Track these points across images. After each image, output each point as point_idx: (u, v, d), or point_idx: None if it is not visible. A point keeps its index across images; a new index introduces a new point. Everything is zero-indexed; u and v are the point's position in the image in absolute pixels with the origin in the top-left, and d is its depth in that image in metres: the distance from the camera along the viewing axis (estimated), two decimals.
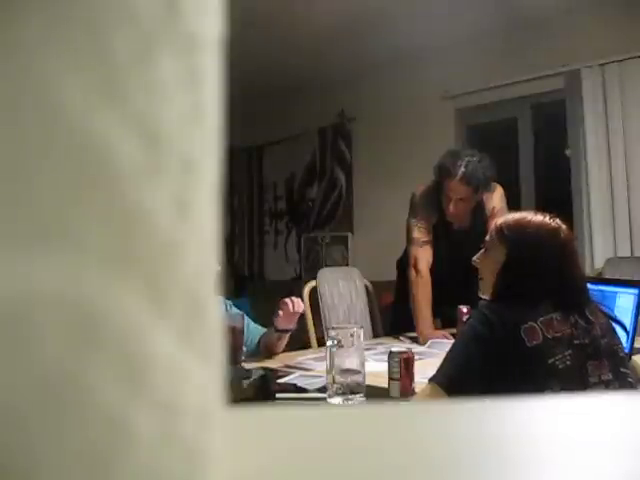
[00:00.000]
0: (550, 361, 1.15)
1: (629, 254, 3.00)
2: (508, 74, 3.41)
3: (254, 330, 1.98)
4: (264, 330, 1.98)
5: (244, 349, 1.85)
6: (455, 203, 2.25)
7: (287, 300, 1.87)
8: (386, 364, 1.41)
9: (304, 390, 1.47)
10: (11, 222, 0.13)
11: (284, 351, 1.99)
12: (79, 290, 0.14)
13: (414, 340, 2.22)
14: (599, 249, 3.05)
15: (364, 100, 4.16)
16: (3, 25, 0.13)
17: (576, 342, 1.19)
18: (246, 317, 1.91)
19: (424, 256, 2.31)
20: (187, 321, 0.16)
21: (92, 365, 0.14)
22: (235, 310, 1.92)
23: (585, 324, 1.22)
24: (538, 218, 1.32)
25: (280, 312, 1.87)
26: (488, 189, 2.29)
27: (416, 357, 1.45)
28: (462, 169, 2.18)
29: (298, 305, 1.87)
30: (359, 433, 0.27)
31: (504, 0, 3.04)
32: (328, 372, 1.34)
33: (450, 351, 1.26)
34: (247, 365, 1.76)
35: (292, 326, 1.91)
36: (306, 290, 2.55)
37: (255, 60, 3.56)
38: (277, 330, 1.91)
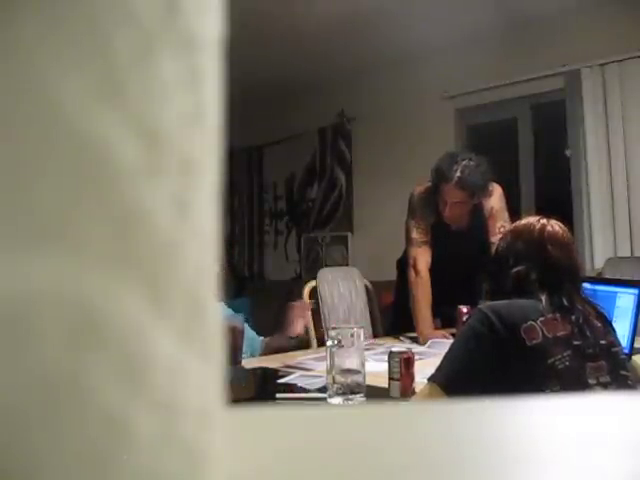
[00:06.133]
0: (550, 361, 1.15)
1: (629, 254, 3.00)
2: (508, 74, 3.40)
3: (256, 339, 1.99)
4: (261, 339, 1.99)
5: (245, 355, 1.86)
6: (451, 207, 2.24)
7: (293, 304, 1.90)
8: (386, 364, 1.41)
9: (304, 390, 1.47)
10: (11, 222, 0.13)
11: (283, 351, 2.00)
12: (79, 290, 0.14)
13: (414, 340, 2.22)
14: (599, 249, 3.05)
15: (364, 100, 4.16)
16: (2, 25, 0.13)
17: (575, 343, 1.19)
18: (247, 327, 1.93)
19: (423, 256, 2.31)
20: (187, 321, 0.16)
21: (92, 365, 0.14)
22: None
23: (584, 325, 1.22)
24: (523, 220, 1.37)
25: (291, 319, 1.91)
26: (485, 193, 2.27)
27: (416, 357, 1.45)
28: (458, 174, 2.17)
29: (305, 306, 1.90)
30: (359, 433, 0.27)
31: (504, 0, 3.04)
32: (328, 372, 1.34)
33: (449, 350, 1.26)
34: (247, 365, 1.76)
35: (303, 330, 1.94)
36: (306, 290, 2.55)
37: (255, 60, 3.56)
38: (292, 337, 1.93)
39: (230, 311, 1.92)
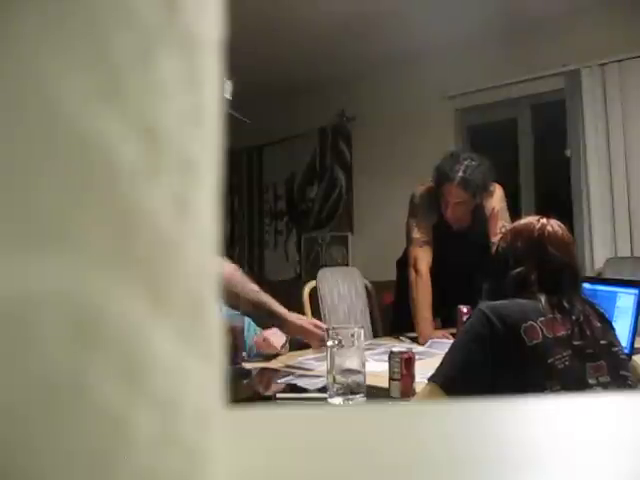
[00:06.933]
0: (550, 361, 1.15)
1: (629, 254, 3.00)
2: (508, 74, 3.40)
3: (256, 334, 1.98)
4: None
5: (244, 354, 1.86)
6: (453, 207, 2.24)
7: (267, 337, 1.90)
8: (386, 364, 1.41)
9: (305, 390, 1.47)
10: (11, 222, 0.13)
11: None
12: (79, 290, 0.14)
13: (414, 340, 2.22)
14: (599, 249, 3.05)
15: (364, 100, 4.16)
16: (2, 24, 0.13)
17: (575, 343, 1.19)
18: (247, 321, 1.92)
19: (424, 256, 2.30)
20: (187, 321, 0.16)
21: (92, 365, 0.14)
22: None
23: (584, 325, 1.22)
24: (523, 220, 1.37)
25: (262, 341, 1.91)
26: (487, 193, 2.27)
27: (416, 357, 1.45)
28: (460, 174, 2.17)
29: (273, 346, 1.89)
30: (359, 433, 0.27)
31: (504, 0, 3.04)
32: (329, 372, 1.34)
33: (450, 350, 1.26)
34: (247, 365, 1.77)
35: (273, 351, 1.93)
36: (306, 290, 2.55)
37: (255, 60, 3.55)
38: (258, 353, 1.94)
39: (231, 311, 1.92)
